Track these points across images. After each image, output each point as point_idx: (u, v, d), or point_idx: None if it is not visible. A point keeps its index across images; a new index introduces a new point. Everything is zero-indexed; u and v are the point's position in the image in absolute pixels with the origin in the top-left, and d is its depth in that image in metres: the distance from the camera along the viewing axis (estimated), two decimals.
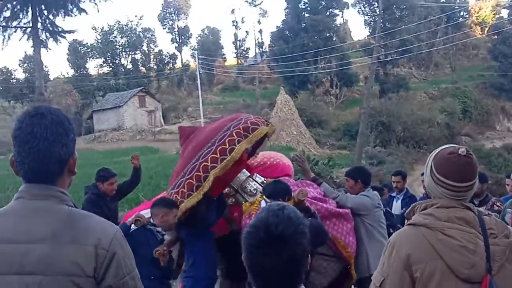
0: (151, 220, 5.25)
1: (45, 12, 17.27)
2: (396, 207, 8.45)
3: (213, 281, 5.56)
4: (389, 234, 5.89)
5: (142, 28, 69.91)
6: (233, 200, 5.68)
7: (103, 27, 66.30)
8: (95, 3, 17.38)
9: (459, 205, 2.47)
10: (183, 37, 73.32)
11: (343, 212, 5.56)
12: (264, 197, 5.03)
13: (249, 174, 5.58)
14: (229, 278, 5.98)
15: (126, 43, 67.23)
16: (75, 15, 17.57)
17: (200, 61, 57.14)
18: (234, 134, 5.23)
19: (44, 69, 65.85)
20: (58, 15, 17.52)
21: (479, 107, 51.96)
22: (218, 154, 5.11)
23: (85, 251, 1.99)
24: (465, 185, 2.47)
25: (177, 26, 73.26)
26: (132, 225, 5.13)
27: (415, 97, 49.83)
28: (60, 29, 17.19)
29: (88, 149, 44.52)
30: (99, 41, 66.29)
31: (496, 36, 59.70)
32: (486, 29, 69.68)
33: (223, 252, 6.09)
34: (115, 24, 67.12)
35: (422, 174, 8.27)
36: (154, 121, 52.87)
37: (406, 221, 2.63)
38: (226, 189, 5.70)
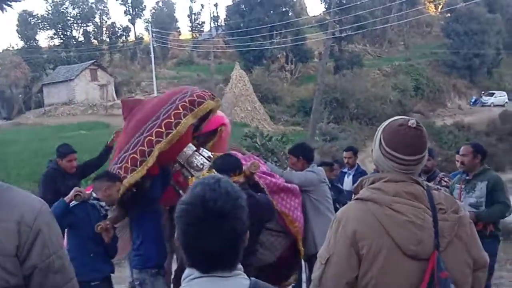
0: (94, 195, 4.99)
1: None
2: (347, 183, 8.42)
3: (163, 258, 5.43)
4: (336, 210, 5.84)
5: (94, 0, 68.25)
6: (175, 166, 5.51)
7: None
8: None
9: (408, 179, 2.36)
10: (136, 10, 71.86)
11: (292, 187, 5.47)
12: (213, 171, 4.86)
13: (195, 148, 5.40)
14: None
15: (77, 14, 65.71)
16: None
17: (154, 34, 56.35)
18: (180, 108, 5.05)
19: None
20: None
21: (431, 85, 52.82)
22: (163, 128, 4.93)
23: (5, 228, 1.83)
24: (414, 158, 2.35)
25: None
26: (73, 201, 4.86)
27: (368, 74, 50.31)
28: None
29: (38, 123, 43.64)
30: (50, 12, 64.62)
31: (449, 14, 60.58)
32: (440, 6, 70.73)
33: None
34: None
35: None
36: (106, 95, 51.93)
37: (354, 196, 2.51)
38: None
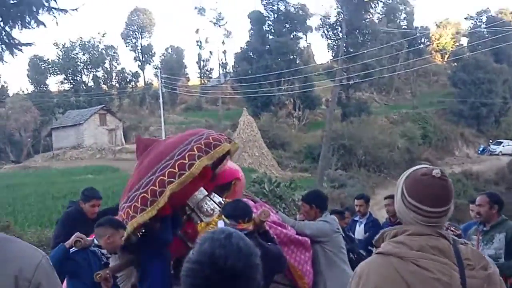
0: (95, 241, 4.86)
1: (1, 23, 16.83)
2: (359, 232, 8.27)
3: None
4: (350, 260, 5.71)
5: (104, 45, 69.27)
6: (185, 217, 5.39)
7: (64, 43, 65.51)
8: (54, 16, 16.95)
9: (433, 233, 2.24)
10: (146, 56, 72.73)
11: (303, 240, 5.31)
12: (222, 217, 4.74)
13: (206, 193, 5.28)
14: None
15: (88, 60, 66.52)
16: (33, 28, 17.14)
17: (163, 80, 56.84)
18: (195, 149, 4.92)
19: (2, 83, 64.82)
20: (14, 27, 17.09)
21: (439, 133, 52.79)
22: (176, 168, 4.78)
23: (3, 283, 1.71)
24: (439, 210, 2.25)
25: (141, 44, 72.67)
26: (73, 247, 4.72)
27: (376, 121, 50.33)
28: (17, 41, 16.75)
29: (46, 167, 43.71)
30: (60, 57, 65.42)
31: (455, 63, 61.02)
32: (446, 56, 71.27)
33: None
34: (77, 41, 66.47)
35: (385, 198, 8.16)
36: (115, 139, 52.17)
37: (374, 249, 2.40)
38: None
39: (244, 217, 4.54)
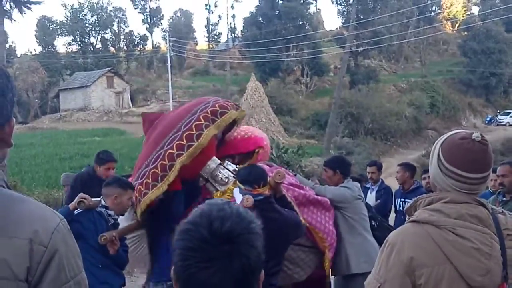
0: (103, 202, 4.71)
1: None
2: (370, 199, 8.20)
3: None
4: (371, 227, 5.64)
5: (113, 7, 69.26)
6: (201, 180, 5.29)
7: (73, 4, 65.37)
8: None
9: (471, 200, 2.11)
10: (154, 18, 72.21)
11: (322, 200, 5.17)
12: (237, 183, 4.64)
13: (219, 161, 5.12)
14: None
15: (96, 21, 66.14)
16: None
17: (171, 43, 56.45)
18: (201, 119, 4.80)
19: (10, 43, 64.52)
20: None
21: (447, 102, 52.37)
22: (184, 140, 4.67)
23: (15, 247, 1.53)
24: (479, 176, 2.11)
25: (149, 6, 72.10)
26: (77, 208, 4.54)
27: (384, 90, 50.03)
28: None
29: (53, 128, 43.81)
30: (69, 18, 65.12)
31: (466, 32, 60.27)
32: (457, 24, 70.39)
33: None
34: (85, 2, 66.08)
35: (398, 165, 8.08)
36: (122, 102, 52.11)
37: (407, 217, 2.30)
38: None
39: (259, 181, 4.40)
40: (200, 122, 4.79)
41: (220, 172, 5.07)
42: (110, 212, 4.72)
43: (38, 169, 19.72)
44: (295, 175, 5.66)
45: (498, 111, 55.52)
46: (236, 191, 4.68)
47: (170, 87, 48.18)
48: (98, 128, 41.05)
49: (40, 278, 1.56)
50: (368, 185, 8.55)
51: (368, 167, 8.79)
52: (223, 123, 4.97)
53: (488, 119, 54.90)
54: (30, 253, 1.54)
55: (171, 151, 4.68)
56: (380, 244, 5.57)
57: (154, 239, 5.14)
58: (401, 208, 7.67)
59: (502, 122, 52.94)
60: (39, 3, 19.08)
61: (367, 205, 5.94)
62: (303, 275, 5.05)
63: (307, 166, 22.51)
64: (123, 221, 5.04)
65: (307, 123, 44.13)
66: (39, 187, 15.13)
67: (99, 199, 4.75)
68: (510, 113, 54.04)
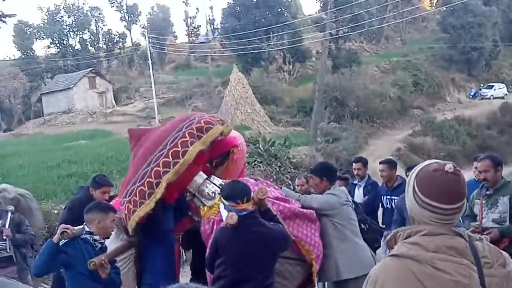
0: (86, 228, 4.72)
1: None
2: (358, 195, 8.25)
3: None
4: (361, 230, 5.68)
5: (89, 7, 68.46)
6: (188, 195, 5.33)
7: (49, 7, 64.44)
8: None
9: (448, 232, 2.16)
10: (132, 16, 71.53)
11: (308, 212, 5.23)
12: (221, 199, 4.68)
13: (206, 176, 5.20)
14: (198, 273, 5.63)
15: (73, 22, 65.48)
16: None
17: (150, 39, 56.10)
18: (187, 135, 4.89)
19: None
20: None
21: (430, 79, 52.46)
22: (170, 157, 4.77)
23: None
24: (455, 206, 2.17)
25: (126, 4, 71.41)
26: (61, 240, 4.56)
27: (367, 71, 49.99)
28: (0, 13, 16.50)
29: (38, 133, 43.49)
30: (46, 21, 64.44)
31: (445, 8, 60.32)
32: (435, 1, 70.43)
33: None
34: (61, 4, 65.38)
35: (380, 163, 8.07)
36: (105, 102, 51.81)
37: (387, 251, 2.32)
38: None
39: (243, 197, 4.47)
40: (186, 139, 4.87)
41: (206, 187, 5.13)
42: (95, 237, 4.71)
43: (25, 180, 19.50)
44: (281, 187, 5.69)
45: (482, 85, 55.69)
46: (222, 206, 4.73)
47: (153, 84, 47.89)
48: (83, 130, 40.79)
49: None
50: (355, 181, 8.57)
51: (353, 163, 8.80)
52: (209, 139, 5.05)
53: (472, 93, 55.09)
54: None
55: (157, 168, 4.76)
56: (371, 246, 5.66)
57: (145, 251, 5.18)
58: (388, 205, 7.70)
59: (486, 95, 53.12)
60: (13, 15, 18.91)
61: (356, 206, 5.98)
62: (291, 287, 5.11)
63: (295, 157, 22.52)
64: (111, 244, 5.05)
65: (293, 110, 44.08)
66: None
67: (81, 226, 4.74)
68: (493, 86, 54.27)
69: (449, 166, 2.18)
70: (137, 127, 5.84)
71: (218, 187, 5.09)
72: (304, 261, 5.12)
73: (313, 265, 5.11)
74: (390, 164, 7.90)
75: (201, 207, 5.09)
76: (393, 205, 7.33)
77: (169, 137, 4.94)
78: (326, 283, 6.15)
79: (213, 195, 5.06)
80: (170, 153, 4.78)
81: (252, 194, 4.60)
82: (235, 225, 4.34)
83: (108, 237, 4.88)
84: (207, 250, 4.69)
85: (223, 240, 4.47)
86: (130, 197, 4.83)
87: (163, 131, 5.20)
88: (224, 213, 4.61)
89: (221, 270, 4.47)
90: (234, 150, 5.64)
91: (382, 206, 7.83)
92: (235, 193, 4.50)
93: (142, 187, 4.75)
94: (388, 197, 7.70)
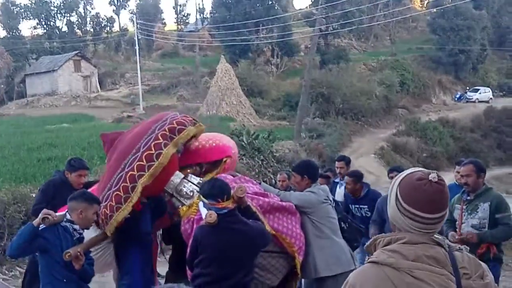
0: (67, 216, 4.65)
1: None
2: (339, 193, 8.19)
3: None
4: (341, 229, 5.65)
5: None
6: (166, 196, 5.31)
7: None
8: None
9: (428, 241, 2.13)
10: (121, 0, 71.09)
11: (287, 205, 5.21)
12: (201, 197, 4.64)
13: (183, 176, 5.17)
14: (173, 270, 5.65)
15: (61, 4, 64.92)
16: None
17: (138, 25, 55.76)
18: (160, 137, 4.89)
19: None
20: None
21: (417, 80, 52.77)
22: (144, 161, 4.78)
23: None
24: (437, 216, 2.14)
25: None
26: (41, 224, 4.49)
27: (354, 69, 50.04)
28: None
29: (20, 114, 43.13)
30: (33, 1, 63.96)
31: (435, 10, 60.56)
32: (426, 2, 70.69)
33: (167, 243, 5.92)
34: None
35: (349, 176, 7.97)
36: (90, 86, 51.50)
37: (366, 257, 2.27)
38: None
39: (223, 195, 4.44)
40: (159, 141, 4.87)
41: (184, 187, 5.13)
42: (75, 226, 4.67)
43: (5, 161, 19.29)
44: (260, 183, 5.66)
45: (468, 88, 56.08)
46: (201, 204, 4.70)
47: (138, 70, 47.61)
48: (66, 114, 40.45)
49: None
50: (337, 180, 8.54)
51: (336, 162, 8.75)
52: (181, 140, 5.08)
53: (457, 96, 55.52)
54: None
55: (132, 172, 4.78)
56: (350, 245, 5.64)
57: (123, 254, 5.18)
58: (357, 213, 7.72)
59: (471, 99, 53.48)
60: None
61: (336, 205, 5.94)
62: (275, 281, 5.14)
63: (278, 151, 22.48)
64: (87, 233, 4.99)
65: (278, 104, 44.06)
66: (6, 182, 14.81)
67: (63, 213, 4.70)
68: (479, 89, 54.69)
69: (433, 175, 2.15)
70: (110, 132, 5.79)
71: (196, 186, 5.07)
72: (287, 253, 5.10)
73: (296, 257, 5.10)
74: (356, 178, 7.78)
75: (180, 206, 5.07)
76: (363, 213, 7.54)
77: (142, 140, 4.93)
78: (303, 280, 6.14)
79: (192, 194, 5.05)
80: (144, 156, 4.78)
81: (231, 191, 4.57)
82: (215, 223, 4.31)
83: (88, 228, 4.81)
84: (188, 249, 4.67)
85: (203, 238, 4.43)
86: (106, 202, 4.81)
87: (136, 134, 5.16)
88: (204, 212, 4.60)
89: (201, 268, 4.44)
90: (227, 160, 5.63)
91: (352, 215, 7.75)
92: (214, 191, 4.46)
93: (118, 192, 4.75)
94: (356, 206, 7.70)
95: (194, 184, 5.10)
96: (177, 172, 5.18)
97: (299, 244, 5.16)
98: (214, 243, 4.38)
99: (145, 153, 4.79)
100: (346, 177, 7.78)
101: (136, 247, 5.03)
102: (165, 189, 5.14)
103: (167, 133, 4.91)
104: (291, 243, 5.08)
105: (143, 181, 4.70)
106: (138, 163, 4.75)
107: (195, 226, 4.79)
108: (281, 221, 5.09)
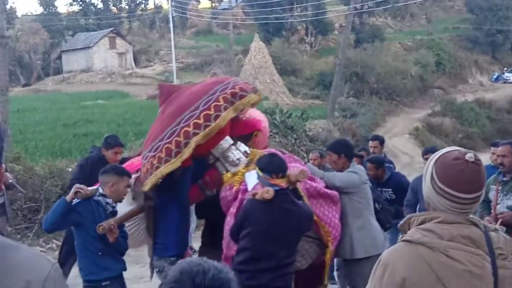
0: (100, 190, 4.76)
1: None
2: None
3: (183, 249, 5.23)
4: (374, 210, 5.65)
5: None
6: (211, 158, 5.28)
7: None
8: None
9: (464, 221, 2.12)
10: None
11: (332, 193, 5.20)
12: (256, 168, 4.62)
13: (232, 142, 5.14)
14: (206, 245, 5.68)
15: None
16: None
17: (173, 3, 55.77)
18: (221, 99, 4.83)
19: (11, 4, 63.83)
20: None
21: (453, 60, 51.78)
22: (201, 119, 4.72)
23: None
24: (473, 196, 2.12)
25: None
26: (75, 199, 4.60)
27: (389, 48, 49.38)
28: None
29: (56, 90, 43.72)
30: None
31: None
32: None
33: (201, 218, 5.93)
34: None
35: (370, 162, 7.90)
36: (125, 63, 51.88)
37: (400, 235, 2.28)
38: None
39: (278, 172, 4.44)
40: (219, 103, 4.82)
41: (232, 153, 5.09)
42: (108, 200, 4.77)
43: (41, 136, 19.66)
44: (305, 163, 5.65)
45: (505, 69, 54.82)
46: (248, 175, 4.71)
47: (173, 48, 47.74)
48: (101, 91, 40.85)
49: None
50: None
51: (370, 141, 8.72)
52: (242, 106, 5.02)
53: (494, 76, 54.31)
54: None
55: (187, 128, 4.73)
56: (382, 226, 5.64)
57: (159, 214, 5.19)
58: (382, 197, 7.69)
59: (509, 79, 52.26)
60: None
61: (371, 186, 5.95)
62: (305, 264, 5.13)
63: (311, 130, 22.41)
64: (121, 208, 5.07)
65: (312, 83, 43.76)
66: (43, 156, 15.13)
67: (95, 187, 4.80)
68: None
69: (470, 155, 2.13)
70: (168, 83, 5.74)
71: (244, 154, 5.06)
72: (321, 241, 5.11)
73: (329, 246, 5.11)
74: (376, 164, 7.68)
75: (224, 172, 5.07)
76: (387, 196, 7.41)
77: (201, 99, 4.88)
78: (335, 259, 6.16)
79: (238, 161, 5.02)
80: (202, 115, 4.73)
81: (287, 171, 4.55)
82: (270, 199, 4.32)
83: (120, 201, 4.91)
84: (233, 220, 4.66)
85: (252, 212, 4.43)
86: (155, 153, 4.78)
87: (196, 92, 5.11)
88: (250, 182, 4.61)
89: (245, 242, 4.45)
90: (258, 134, 5.61)
91: None
92: (272, 166, 4.46)
93: (169, 145, 4.71)
94: (380, 189, 7.66)
95: (241, 152, 5.10)
96: (227, 137, 5.15)
97: (335, 234, 5.17)
98: (263, 219, 4.38)
99: (204, 113, 4.75)
100: (369, 164, 7.64)
101: (174, 207, 5.04)
102: (212, 152, 5.11)
103: (229, 97, 4.86)
104: (329, 231, 5.07)
105: (197, 139, 4.66)
106: (194, 120, 4.71)
107: (240, 196, 4.79)
108: (323, 209, 5.09)
